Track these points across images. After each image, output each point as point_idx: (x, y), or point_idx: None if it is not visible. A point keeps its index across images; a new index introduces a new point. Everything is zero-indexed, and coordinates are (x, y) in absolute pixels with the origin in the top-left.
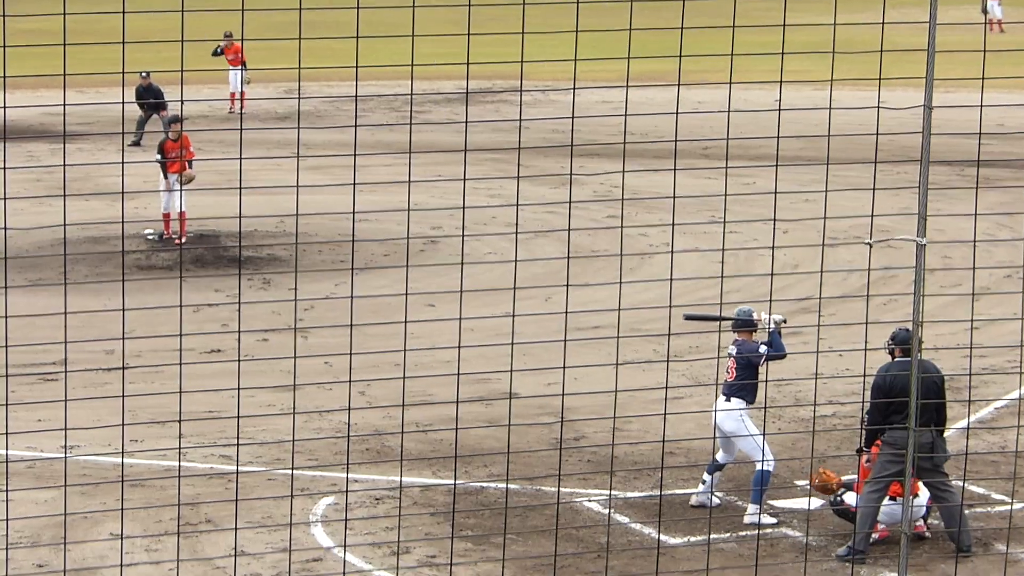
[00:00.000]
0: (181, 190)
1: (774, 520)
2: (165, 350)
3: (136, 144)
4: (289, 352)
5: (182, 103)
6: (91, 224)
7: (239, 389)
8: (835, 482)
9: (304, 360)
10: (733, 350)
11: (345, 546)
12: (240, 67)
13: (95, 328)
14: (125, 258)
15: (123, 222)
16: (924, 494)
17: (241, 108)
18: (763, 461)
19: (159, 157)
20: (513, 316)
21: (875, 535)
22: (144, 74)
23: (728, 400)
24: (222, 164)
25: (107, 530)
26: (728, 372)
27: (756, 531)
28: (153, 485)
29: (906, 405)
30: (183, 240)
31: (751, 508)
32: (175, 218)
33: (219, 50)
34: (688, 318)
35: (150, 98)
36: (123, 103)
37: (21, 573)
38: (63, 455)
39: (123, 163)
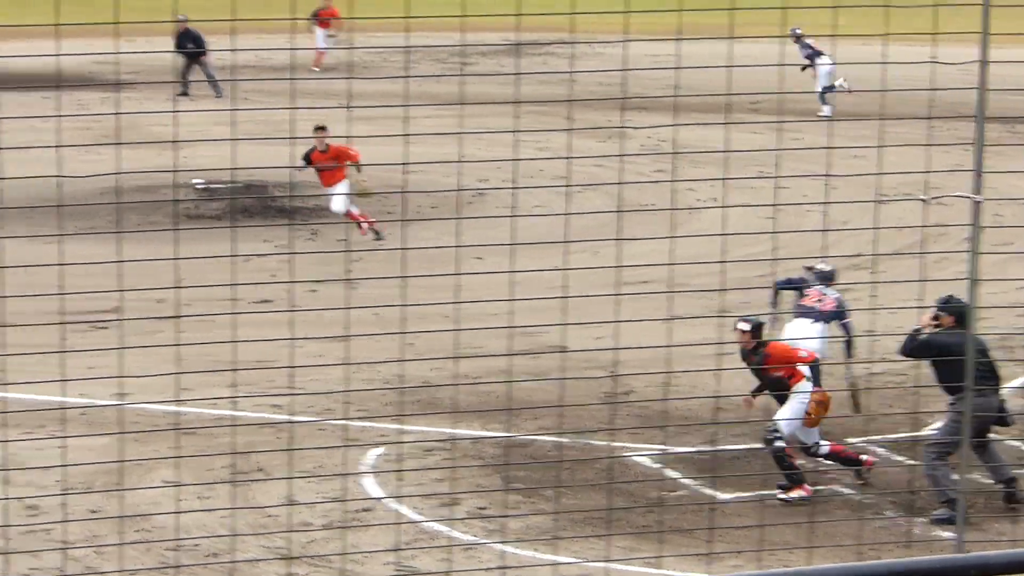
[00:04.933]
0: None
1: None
2: (214, 299)
3: (184, 95)
4: (337, 303)
5: (230, 52)
6: (141, 173)
7: (292, 339)
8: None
9: (353, 311)
10: (830, 292)
11: (397, 497)
12: (327, 27)
13: (146, 277)
14: (174, 207)
15: (174, 171)
16: None
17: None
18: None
19: (303, 164)
20: (564, 270)
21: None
22: (182, 18)
23: (816, 323)
24: (269, 114)
25: (159, 477)
26: (821, 302)
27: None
28: (204, 433)
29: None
30: (369, 233)
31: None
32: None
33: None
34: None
35: (188, 43)
36: (175, 52)
37: (75, 519)
38: (117, 403)
39: (174, 112)
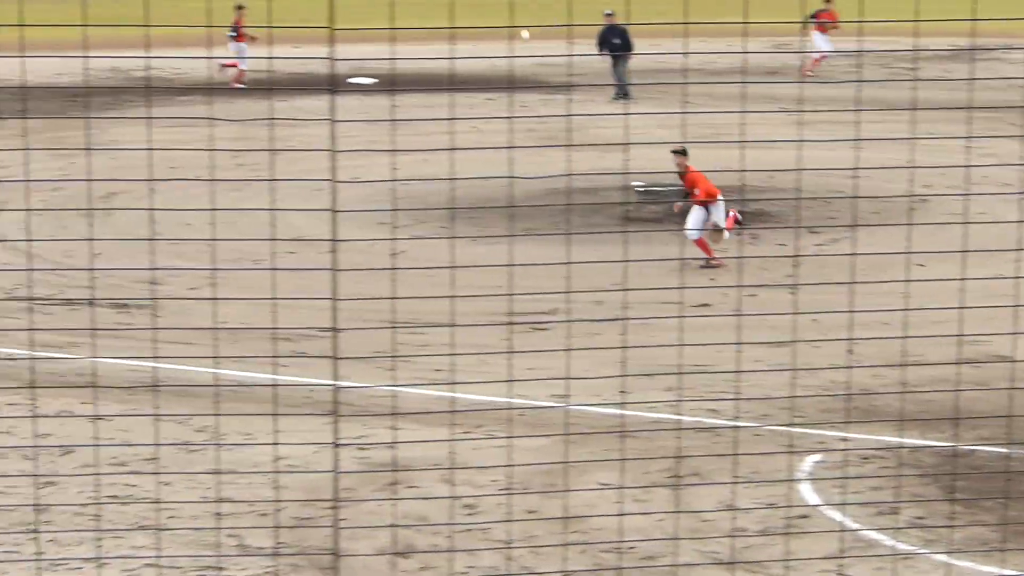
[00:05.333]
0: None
1: None
2: (654, 302)
3: (624, 96)
4: (777, 308)
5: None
6: (585, 175)
7: (738, 343)
8: None
9: (793, 316)
10: None
11: (835, 504)
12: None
13: (584, 279)
14: (614, 210)
15: (621, 173)
16: None
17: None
18: None
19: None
20: (1015, 278)
21: None
22: (608, 12)
23: None
24: (709, 118)
25: (595, 479)
26: None
27: None
28: (642, 436)
29: None
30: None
31: None
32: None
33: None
34: None
35: (614, 39)
36: (598, 54)
37: (513, 518)
38: (558, 404)
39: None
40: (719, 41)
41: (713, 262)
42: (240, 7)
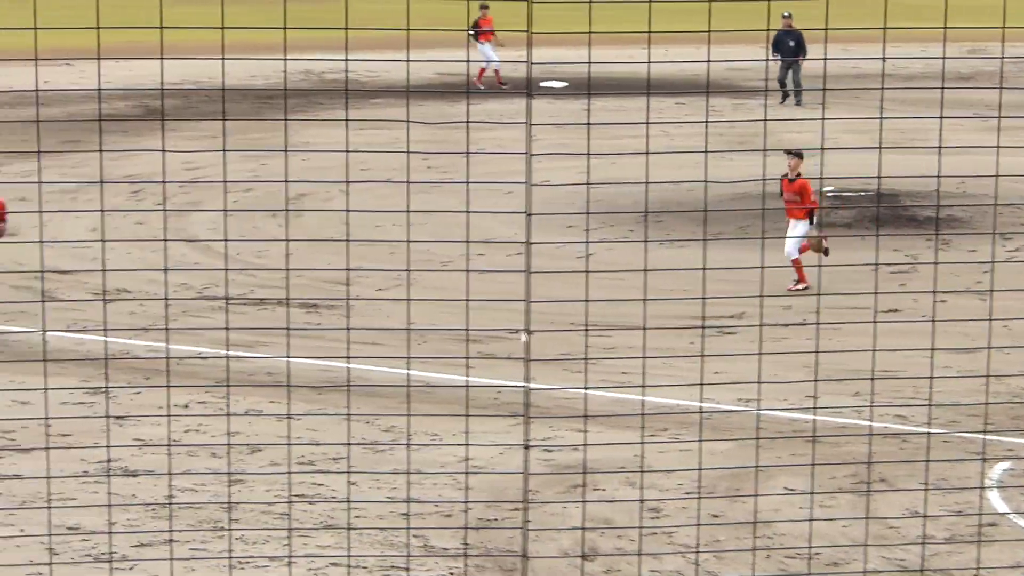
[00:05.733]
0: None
1: None
2: (841, 307)
3: (791, 99)
4: (967, 313)
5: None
6: (774, 180)
7: (931, 349)
8: None
9: (984, 323)
10: None
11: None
12: None
13: (773, 283)
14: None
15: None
16: None
17: None
18: None
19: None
20: None
21: None
22: (786, 14)
23: None
24: (901, 123)
25: (780, 484)
26: None
27: None
28: (828, 442)
29: None
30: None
31: None
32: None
33: None
34: None
35: (789, 42)
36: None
37: (698, 523)
38: (745, 408)
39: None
40: (912, 46)
41: (800, 287)
42: (484, 7)
